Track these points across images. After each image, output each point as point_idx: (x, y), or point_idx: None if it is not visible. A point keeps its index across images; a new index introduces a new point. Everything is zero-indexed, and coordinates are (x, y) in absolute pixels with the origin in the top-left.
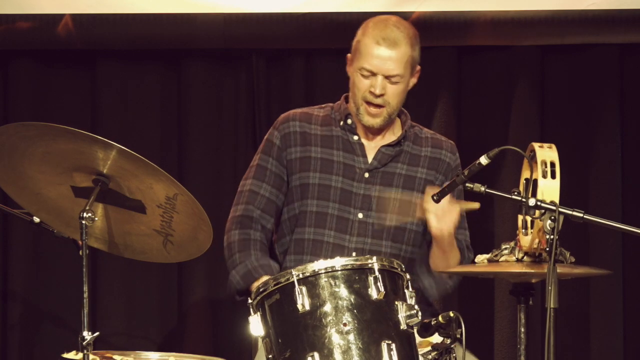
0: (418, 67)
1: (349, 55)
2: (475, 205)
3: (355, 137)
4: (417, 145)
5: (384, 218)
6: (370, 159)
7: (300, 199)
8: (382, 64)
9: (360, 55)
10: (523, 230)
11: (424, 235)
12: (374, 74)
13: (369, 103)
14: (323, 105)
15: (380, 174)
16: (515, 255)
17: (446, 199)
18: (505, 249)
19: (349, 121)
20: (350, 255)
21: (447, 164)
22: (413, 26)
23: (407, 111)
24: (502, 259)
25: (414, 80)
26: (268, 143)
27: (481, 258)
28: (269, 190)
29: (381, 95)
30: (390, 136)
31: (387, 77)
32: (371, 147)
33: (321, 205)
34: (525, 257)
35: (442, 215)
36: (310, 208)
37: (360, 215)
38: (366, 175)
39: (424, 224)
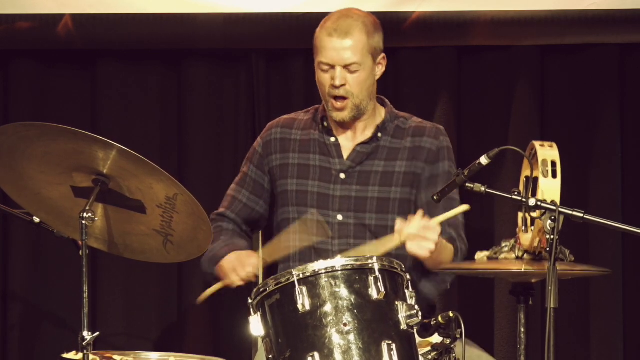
0: (382, 55)
1: (314, 48)
2: (462, 208)
3: (332, 139)
4: (398, 138)
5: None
6: (345, 159)
7: (282, 206)
8: (337, 55)
9: (317, 50)
10: (523, 228)
11: None
12: (332, 67)
13: (334, 98)
14: (310, 108)
15: (357, 173)
16: (515, 253)
17: (419, 218)
18: (505, 246)
19: (326, 123)
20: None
21: (428, 150)
22: (372, 15)
23: (389, 102)
24: (502, 256)
25: (380, 69)
26: (252, 150)
27: (481, 255)
28: (246, 197)
29: (342, 85)
30: (370, 131)
31: (345, 67)
32: (347, 147)
33: (301, 212)
34: (525, 255)
35: (419, 236)
36: (292, 215)
37: (339, 217)
38: (342, 176)
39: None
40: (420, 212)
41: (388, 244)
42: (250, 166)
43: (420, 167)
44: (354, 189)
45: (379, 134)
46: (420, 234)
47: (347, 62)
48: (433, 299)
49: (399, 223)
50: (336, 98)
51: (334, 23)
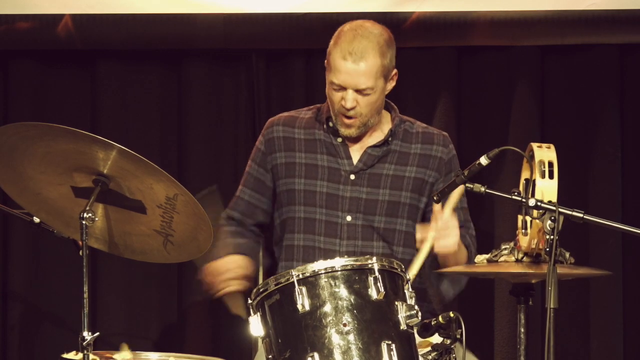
0: (394, 71)
1: (326, 62)
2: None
3: (339, 139)
4: (407, 142)
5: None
6: (355, 160)
7: (287, 205)
8: (350, 79)
9: (330, 69)
10: (523, 231)
11: (415, 236)
12: (343, 88)
13: (343, 115)
14: (311, 107)
15: (367, 175)
16: (514, 256)
17: (447, 214)
18: (505, 249)
19: (331, 123)
20: None
21: (439, 159)
22: (386, 29)
23: (396, 106)
24: (502, 259)
25: (391, 84)
26: (255, 149)
27: (481, 258)
28: (248, 194)
29: (353, 108)
30: (378, 134)
31: (357, 91)
32: (356, 148)
33: (308, 211)
34: (524, 258)
35: (444, 233)
36: (298, 214)
37: (348, 218)
38: (352, 177)
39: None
40: (436, 217)
41: (420, 256)
42: (253, 164)
43: (430, 175)
44: (365, 191)
45: (390, 138)
46: (444, 231)
47: (360, 87)
48: (449, 299)
49: (419, 231)
50: (344, 115)
51: (348, 44)
